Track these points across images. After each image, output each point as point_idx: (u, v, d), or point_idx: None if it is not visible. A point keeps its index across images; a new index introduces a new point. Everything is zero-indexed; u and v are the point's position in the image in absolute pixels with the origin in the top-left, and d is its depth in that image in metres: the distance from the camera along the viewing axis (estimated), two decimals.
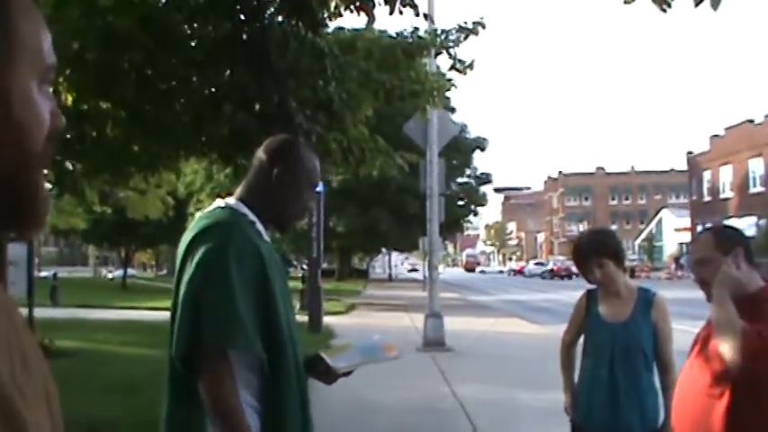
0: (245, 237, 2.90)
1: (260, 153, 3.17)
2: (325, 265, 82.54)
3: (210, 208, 3.07)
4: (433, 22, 11.46)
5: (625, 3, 4.23)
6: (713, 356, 3.60)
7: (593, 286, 4.89)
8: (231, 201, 3.09)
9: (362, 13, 8.32)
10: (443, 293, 23.49)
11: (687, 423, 3.59)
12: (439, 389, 12.16)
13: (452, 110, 41.62)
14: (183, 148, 10.87)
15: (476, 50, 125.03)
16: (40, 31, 1.07)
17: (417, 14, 8.47)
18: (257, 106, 8.71)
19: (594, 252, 4.72)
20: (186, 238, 2.94)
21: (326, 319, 22.99)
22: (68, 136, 9.36)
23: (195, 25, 9.02)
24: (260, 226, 3.06)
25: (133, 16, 8.16)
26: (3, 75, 1.01)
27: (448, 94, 12.80)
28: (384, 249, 74.09)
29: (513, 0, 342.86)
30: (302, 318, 20.29)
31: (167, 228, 48.73)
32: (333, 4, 8.50)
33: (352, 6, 8.35)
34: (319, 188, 18.37)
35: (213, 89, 9.16)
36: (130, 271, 78.27)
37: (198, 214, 3.13)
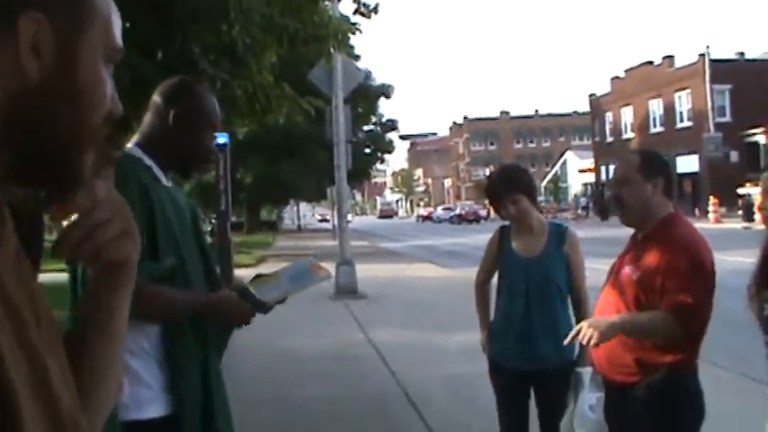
0: (134, 180, 2.78)
1: (156, 95, 3.05)
2: (233, 219, 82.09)
3: None
4: None
5: None
6: (626, 284, 3.65)
7: (505, 223, 4.90)
8: (127, 145, 2.99)
9: None
10: (354, 242, 23.46)
11: (604, 346, 3.64)
12: (354, 335, 12.17)
13: (357, 57, 41.30)
14: None
15: None
16: (111, 9, 1.08)
17: None
18: (159, 54, 8.48)
19: (508, 189, 4.72)
20: None
21: (237, 272, 22.79)
22: None
23: None
24: (157, 170, 2.97)
25: None
26: (73, 37, 1.01)
27: (352, 41, 12.69)
28: (292, 200, 73.82)
29: None
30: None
31: None
32: None
33: None
34: (225, 140, 18.18)
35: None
36: None
37: None
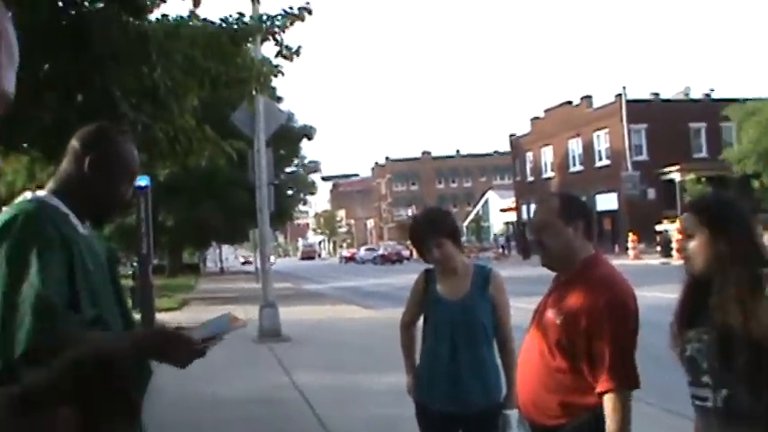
0: (52, 227, 2.70)
1: (73, 141, 2.97)
2: (155, 262, 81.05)
3: (17, 201, 2.85)
4: (257, 5, 11.27)
5: None
6: (549, 327, 3.69)
7: (429, 266, 4.91)
8: (41, 193, 2.90)
9: None
10: (277, 284, 23.30)
11: (528, 389, 3.65)
12: (279, 378, 12.05)
13: (279, 99, 41.31)
14: (3, 144, 10.35)
15: (302, 37, 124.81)
16: None
17: None
18: (80, 96, 8.37)
19: (432, 232, 4.74)
20: None
21: (159, 316, 22.46)
22: None
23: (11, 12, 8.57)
24: (74, 219, 2.88)
25: None
26: None
27: (275, 83, 12.64)
28: (215, 243, 73.18)
29: None
30: (136, 316, 19.75)
31: None
32: None
33: None
34: (146, 182, 17.95)
35: (33, 78, 8.74)
36: None
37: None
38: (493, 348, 4.79)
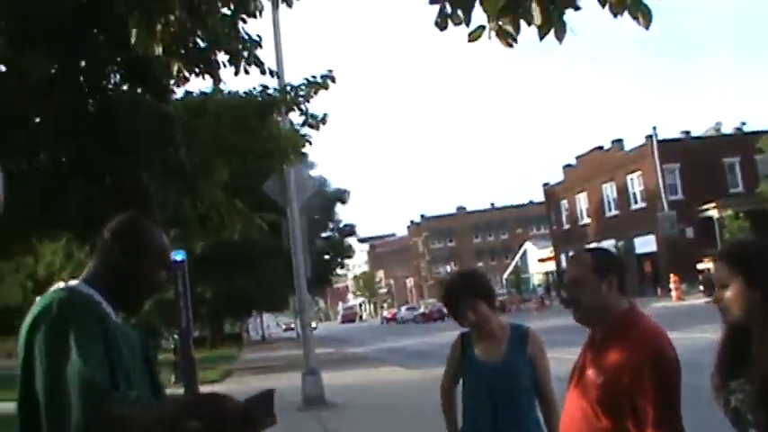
0: (85, 311, 2.73)
1: (105, 232, 3.02)
2: (196, 333, 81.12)
3: (50, 291, 2.86)
4: (281, 78, 11.36)
5: (470, 41, 4.23)
6: (590, 387, 3.62)
7: (465, 329, 4.86)
8: (73, 282, 2.92)
9: (208, 76, 8.19)
10: (319, 349, 23.26)
11: None
12: None
13: (311, 165, 41.66)
14: (34, 231, 10.46)
15: (329, 101, 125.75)
16: None
17: (264, 72, 8.38)
18: (107, 180, 8.45)
19: (465, 295, 4.70)
20: (25, 324, 2.74)
21: (203, 389, 22.43)
22: None
23: (35, 101, 8.68)
24: (107, 307, 2.89)
25: None
26: None
27: (305, 149, 12.68)
28: (255, 311, 73.31)
29: (362, 46, 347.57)
30: (179, 390, 19.73)
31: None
32: (176, 69, 8.31)
33: (196, 69, 8.20)
34: (181, 257, 18.05)
35: (56, 167, 8.83)
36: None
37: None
38: (534, 406, 4.71)
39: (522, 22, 4.15)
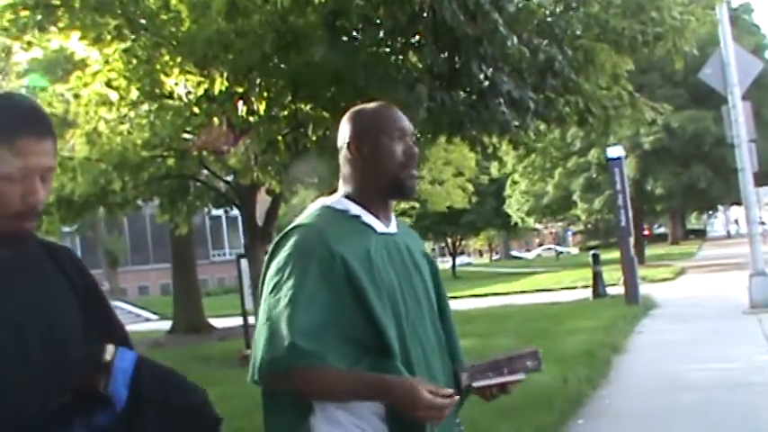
0: (324, 247, 2.43)
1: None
2: (661, 229, 79.79)
3: (310, 208, 2.64)
4: None
5: None
6: None
7: None
8: (330, 199, 2.64)
9: None
10: None
11: None
12: (758, 358, 10.30)
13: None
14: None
15: None
16: None
17: None
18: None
19: None
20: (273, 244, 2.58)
21: (650, 288, 21.99)
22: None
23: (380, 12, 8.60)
24: (368, 218, 2.57)
25: (319, 13, 7.90)
26: None
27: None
28: (720, 206, 70.43)
29: None
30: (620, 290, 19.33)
31: (490, 213, 49.62)
32: None
33: None
34: (620, 153, 17.73)
35: (416, 73, 8.65)
36: (466, 259, 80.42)
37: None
38: None
39: None
